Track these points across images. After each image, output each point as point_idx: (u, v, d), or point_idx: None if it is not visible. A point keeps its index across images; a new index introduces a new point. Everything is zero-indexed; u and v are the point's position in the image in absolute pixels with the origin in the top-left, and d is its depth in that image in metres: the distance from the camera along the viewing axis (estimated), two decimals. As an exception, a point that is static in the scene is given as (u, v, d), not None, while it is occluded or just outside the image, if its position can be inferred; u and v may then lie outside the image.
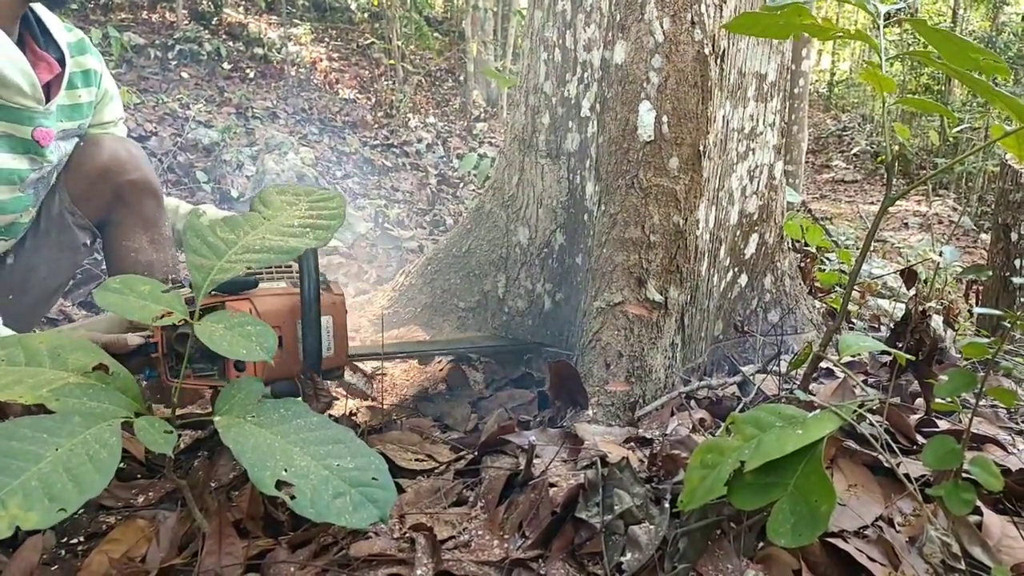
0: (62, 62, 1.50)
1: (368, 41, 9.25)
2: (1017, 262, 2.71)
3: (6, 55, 1.35)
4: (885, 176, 0.98)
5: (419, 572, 0.86)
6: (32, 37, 1.46)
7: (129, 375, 0.90)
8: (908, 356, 1.11)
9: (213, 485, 1.07)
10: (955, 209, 8.90)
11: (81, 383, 0.84)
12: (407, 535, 0.95)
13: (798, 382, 1.14)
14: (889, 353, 1.20)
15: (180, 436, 1.24)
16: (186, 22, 7.31)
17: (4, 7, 1.37)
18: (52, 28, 1.50)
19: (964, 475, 0.87)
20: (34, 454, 0.69)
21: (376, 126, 7.05)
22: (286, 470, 0.75)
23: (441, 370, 1.71)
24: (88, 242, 1.66)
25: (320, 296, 1.18)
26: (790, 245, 1.93)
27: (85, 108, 1.58)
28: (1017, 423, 1.34)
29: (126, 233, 1.63)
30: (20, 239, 1.57)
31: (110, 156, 1.59)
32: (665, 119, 1.48)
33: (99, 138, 1.61)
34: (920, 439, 1.17)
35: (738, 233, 1.73)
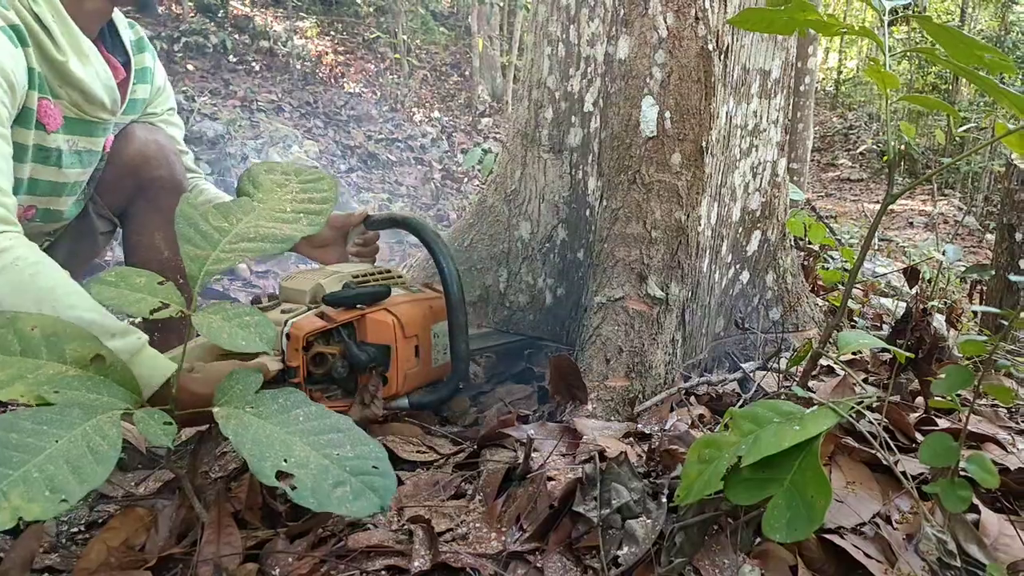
0: (127, 65, 1.47)
1: (374, 35, 9.24)
2: (1021, 262, 2.70)
3: (95, 71, 1.32)
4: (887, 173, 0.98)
5: (416, 564, 0.87)
6: (102, 40, 1.42)
7: (128, 367, 0.90)
8: (908, 354, 1.11)
9: (212, 475, 1.07)
10: (960, 209, 8.87)
11: (80, 375, 0.84)
12: (405, 527, 0.96)
13: (798, 379, 1.14)
14: (889, 351, 1.20)
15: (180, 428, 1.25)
16: (192, 15, 7.31)
17: (93, 13, 1.33)
18: (119, 27, 1.47)
19: (961, 473, 0.87)
20: (35, 446, 0.69)
21: (381, 120, 7.05)
22: (286, 460, 0.75)
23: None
24: (107, 231, 1.63)
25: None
26: (793, 243, 1.93)
27: (139, 105, 1.56)
28: (1017, 422, 1.34)
29: (144, 228, 1.59)
30: None
31: (138, 150, 1.54)
32: (668, 115, 1.47)
33: (129, 130, 1.55)
34: (919, 437, 1.17)
35: (740, 230, 1.72)
